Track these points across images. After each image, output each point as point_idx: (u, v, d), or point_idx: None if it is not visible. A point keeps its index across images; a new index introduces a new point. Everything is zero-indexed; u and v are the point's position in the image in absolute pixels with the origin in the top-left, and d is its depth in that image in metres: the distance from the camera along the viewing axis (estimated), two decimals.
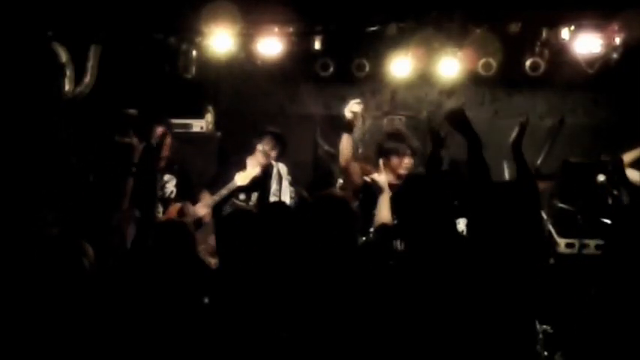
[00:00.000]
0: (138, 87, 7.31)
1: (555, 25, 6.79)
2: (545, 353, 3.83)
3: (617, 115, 7.91)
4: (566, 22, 6.71)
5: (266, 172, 6.58)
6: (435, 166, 4.46)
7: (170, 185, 6.35)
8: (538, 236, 3.94)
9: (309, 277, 3.71)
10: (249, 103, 8.35)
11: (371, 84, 8.09)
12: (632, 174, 6.00)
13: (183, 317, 3.49)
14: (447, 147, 4.61)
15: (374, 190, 5.21)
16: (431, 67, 7.25)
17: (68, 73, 6.61)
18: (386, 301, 3.56)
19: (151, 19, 6.65)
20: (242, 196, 6.54)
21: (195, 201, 6.47)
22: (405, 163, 5.57)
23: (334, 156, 6.32)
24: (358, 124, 5.62)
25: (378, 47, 7.28)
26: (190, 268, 3.75)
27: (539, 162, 6.04)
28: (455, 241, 3.72)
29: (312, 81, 7.96)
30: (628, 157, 6.04)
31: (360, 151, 8.01)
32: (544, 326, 4.28)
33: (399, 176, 5.49)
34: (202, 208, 6.40)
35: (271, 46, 7.04)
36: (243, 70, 7.67)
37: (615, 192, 5.90)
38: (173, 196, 6.37)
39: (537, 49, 7.11)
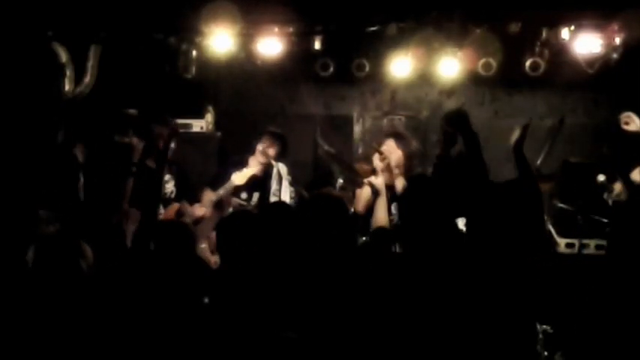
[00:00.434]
0: (138, 87, 7.31)
1: (555, 25, 6.79)
2: (545, 353, 3.83)
3: (617, 115, 7.90)
4: (566, 22, 6.71)
5: (266, 172, 6.58)
6: (443, 167, 4.46)
7: (170, 185, 6.35)
8: (539, 236, 3.94)
9: (307, 276, 3.71)
10: (249, 103, 8.36)
11: (371, 84, 8.10)
12: (632, 174, 6.00)
13: (183, 317, 3.49)
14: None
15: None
16: (431, 67, 7.25)
17: (68, 73, 6.61)
18: (385, 301, 3.56)
19: (151, 19, 6.65)
20: (244, 195, 6.54)
21: (195, 200, 6.47)
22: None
23: (334, 156, 6.32)
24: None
25: (378, 47, 7.28)
26: (190, 268, 3.75)
27: (539, 162, 6.04)
28: (456, 240, 3.73)
29: (312, 81, 7.97)
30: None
31: (360, 151, 8.03)
32: (544, 326, 4.28)
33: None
34: (202, 208, 6.40)
35: (271, 46, 7.04)
36: (243, 70, 7.67)
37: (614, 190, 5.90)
38: (173, 196, 6.37)
39: (537, 49, 7.11)
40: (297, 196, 6.63)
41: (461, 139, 4.23)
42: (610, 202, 5.85)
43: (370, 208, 5.28)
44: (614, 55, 6.79)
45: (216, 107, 8.00)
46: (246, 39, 7.01)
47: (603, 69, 6.95)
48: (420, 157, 5.87)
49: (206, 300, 3.70)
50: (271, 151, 6.54)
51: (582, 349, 3.48)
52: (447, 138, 4.50)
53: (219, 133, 7.87)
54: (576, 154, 7.35)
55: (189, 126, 7.70)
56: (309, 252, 3.86)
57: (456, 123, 4.16)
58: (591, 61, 6.89)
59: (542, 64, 7.15)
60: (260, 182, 6.55)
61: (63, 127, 6.26)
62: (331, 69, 7.49)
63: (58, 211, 4.99)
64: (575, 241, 6.19)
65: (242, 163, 6.57)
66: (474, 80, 7.62)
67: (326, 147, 6.40)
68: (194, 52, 7.14)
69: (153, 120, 6.14)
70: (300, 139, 7.71)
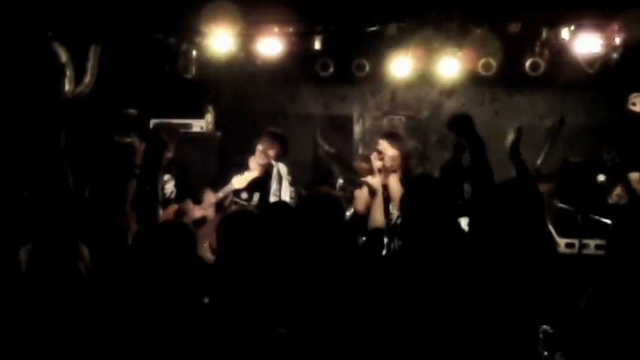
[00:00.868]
0: (138, 87, 7.32)
1: (555, 25, 6.80)
2: (545, 353, 3.82)
3: (617, 115, 7.91)
4: (566, 22, 6.71)
5: (266, 172, 6.58)
6: (453, 171, 4.47)
7: (169, 186, 6.35)
8: (540, 237, 3.94)
9: (304, 275, 3.71)
10: (249, 103, 8.36)
11: (371, 84, 8.10)
12: (632, 174, 6.00)
13: (184, 318, 3.49)
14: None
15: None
16: (431, 67, 7.26)
17: (68, 73, 6.61)
18: (385, 301, 3.56)
19: (151, 19, 6.65)
20: (244, 196, 6.55)
21: (195, 201, 6.47)
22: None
23: (334, 156, 6.32)
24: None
25: (378, 47, 7.28)
26: (191, 269, 3.74)
27: (539, 162, 6.05)
28: (459, 240, 3.73)
29: (312, 81, 7.97)
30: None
31: (360, 151, 8.03)
32: (544, 326, 4.28)
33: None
34: (202, 209, 6.40)
35: (271, 46, 7.04)
36: (243, 70, 7.68)
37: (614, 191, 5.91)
38: (173, 196, 6.37)
39: (537, 49, 7.12)
40: (297, 196, 6.63)
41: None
42: (610, 201, 5.87)
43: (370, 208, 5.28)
44: (614, 55, 6.79)
45: (216, 107, 8.01)
46: (246, 39, 7.01)
47: (603, 69, 6.95)
48: (419, 156, 5.87)
49: (206, 300, 3.70)
50: (271, 152, 6.55)
51: (582, 349, 3.48)
52: (457, 148, 4.52)
53: (219, 133, 7.87)
54: (576, 154, 7.35)
55: (189, 126, 7.71)
56: (307, 250, 3.86)
57: (460, 127, 4.17)
58: (591, 61, 6.89)
59: (542, 64, 7.15)
60: (260, 182, 6.55)
61: (63, 127, 6.26)
62: (331, 69, 7.49)
63: (57, 212, 4.99)
64: (575, 241, 6.19)
65: (242, 163, 6.57)
66: (474, 80, 7.62)
67: (326, 147, 6.40)
68: (194, 52, 7.15)
69: (158, 126, 6.18)
70: (300, 139, 7.71)
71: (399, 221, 5.65)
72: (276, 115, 8.21)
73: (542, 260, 3.71)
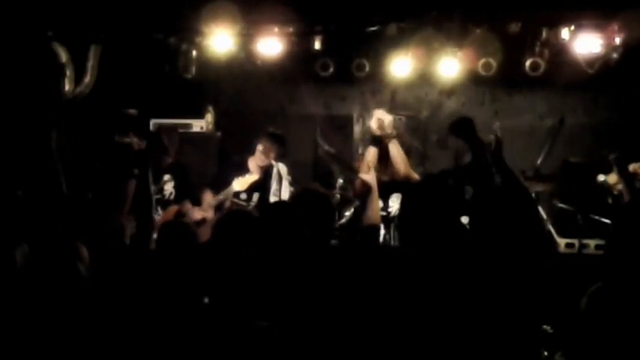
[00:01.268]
0: (138, 87, 7.32)
1: (555, 25, 6.80)
2: (545, 353, 3.82)
3: (617, 115, 7.92)
4: (566, 22, 6.71)
5: (266, 172, 6.58)
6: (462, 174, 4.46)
7: (168, 187, 6.34)
8: (539, 236, 3.94)
9: (295, 272, 3.71)
10: (249, 103, 8.36)
11: (371, 84, 8.09)
12: (632, 165, 6.04)
13: (183, 318, 3.49)
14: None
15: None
16: (431, 67, 7.25)
17: (68, 73, 6.61)
18: (384, 299, 3.56)
19: (151, 19, 6.65)
20: (243, 196, 6.54)
21: (196, 202, 6.47)
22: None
23: (334, 156, 6.33)
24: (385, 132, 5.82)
25: (378, 47, 7.28)
26: (192, 269, 3.74)
27: (539, 162, 6.05)
28: (460, 240, 3.72)
29: (312, 81, 7.97)
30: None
31: (360, 151, 8.03)
32: (544, 326, 4.28)
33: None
34: (202, 211, 6.40)
35: (271, 46, 7.04)
36: (243, 70, 7.67)
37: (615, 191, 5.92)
38: (172, 197, 6.37)
39: (537, 49, 7.11)
40: None
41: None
42: (607, 195, 5.88)
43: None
44: (614, 55, 6.79)
45: (216, 107, 8.00)
46: (246, 39, 7.01)
47: (603, 69, 6.95)
48: (419, 156, 5.90)
49: (206, 300, 3.70)
50: (271, 153, 6.54)
51: (582, 349, 3.48)
52: (457, 154, 4.54)
53: (219, 133, 7.87)
54: (576, 154, 7.35)
55: (189, 126, 7.71)
56: (295, 247, 3.85)
57: (461, 130, 4.17)
58: (591, 61, 6.89)
59: (542, 64, 7.14)
60: (260, 182, 6.55)
61: (55, 128, 6.27)
62: (331, 69, 7.48)
63: (53, 212, 4.99)
64: (575, 241, 6.19)
65: (242, 164, 6.57)
66: (474, 80, 7.62)
67: (326, 147, 6.41)
68: (194, 52, 7.14)
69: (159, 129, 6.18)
70: (300, 139, 7.71)
71: (397, 213, 5.71)
72: (276, 115, 8.20)
73: (542, 260, 3.71)
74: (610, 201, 6.00)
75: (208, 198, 6.48)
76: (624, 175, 5.85)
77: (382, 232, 5.54)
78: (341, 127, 8.28)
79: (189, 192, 6.48)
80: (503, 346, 3.38)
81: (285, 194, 6.55)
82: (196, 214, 6.35)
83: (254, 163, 6.56)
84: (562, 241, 6.26)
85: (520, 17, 6.67)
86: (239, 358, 3.33)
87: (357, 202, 6.19)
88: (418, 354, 3.38)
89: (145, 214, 5.47)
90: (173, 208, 6.29)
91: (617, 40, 6.69)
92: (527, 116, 8.02)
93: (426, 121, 8.22)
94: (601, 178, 6.00)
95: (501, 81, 7.77)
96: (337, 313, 3.55)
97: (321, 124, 8.03)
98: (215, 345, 3.36)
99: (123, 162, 5.60)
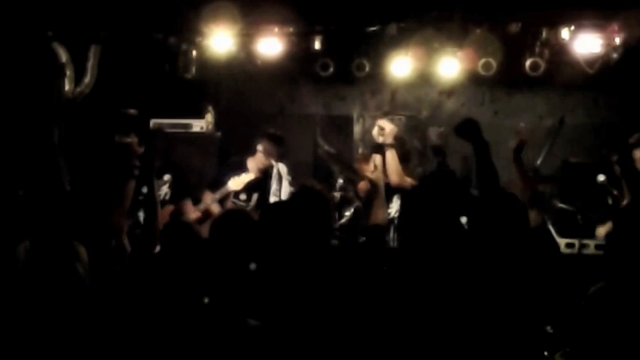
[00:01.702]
0: (138, 87, 7.32)
1: (555, 25, 6.80)
2: (545, 353, 3.83)
3: (617, 115, 7.92)
4: (566, 22, 6.71)
5: (266, 172, 6.58)
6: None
7: (164, 187, 6.33)
8: (541, 237, 3.94)
9: (295, 272, 3.71)
10: (249, 103, 8.36)
11: (371, 84, 8.09)
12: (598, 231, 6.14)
13: (183, 317, 3.49)
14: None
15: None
16: (431, 67, 7.25)
17: (68, 73, 6.62)
18: (385, 299, 3.56)
19: (151, 19, 6.65)
20: (243, 197, 6.54)
21: (194, 201, 6.47)
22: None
23: (334, 156, 6.33)
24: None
25: (378, 47, 7.28)
26: (193, 269, 3.74)
27: (539, 162, 6.04)
28: (460, 240, 3.72)
29: (312, 81, 7.97)
30: None
31: (360, 151, 8.03)
32: (544, 326, 4.28)
33: None
34: (196, 212, 6.40)
35: (271, 46, 7.04)
36: (243, 70, 7.67)
37: (615, 192, 5.92)
38: (167, 197, 6.35)
39: (537, 49, 7.11)
40: None
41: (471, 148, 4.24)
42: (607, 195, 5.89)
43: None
44: (614, 55, 6.79)
45: (216, 107, 8.00)
46: (246, 39, 7.01)
47: (603, 69, 6.95)
48: (419, 156, 5.91)
49: (206, 300, 3.70)
50: (271, 155, 6.54)
51: (582, 349, 3.49)
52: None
53: (219, 133, 7.87)
54: (576, 154, 7.35)
55: (189, 126, 7.70)
56: (295, 247, 3.85)
57: (467, 132, 4.17)
58: (591, 61, 6.89)
59: (542, 64, 7.14)
60: (260, 182, 6.55)
61: (57, 125, 6.27)
62: (331, 69, 7.47)
63: (54, 211, 4.98)
64: (575, 241, 6.19)
65: (242, 165, 6.57)
66: (474, 80, 7.61)
67: (326, 147, 6.42)
68: (194, 52, 7.15)
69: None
70: (300, 139, 7.72)
71: (396, 215, 5.71)
72: (275, 115, 8.20)
73: (543, 260, 3.71)
74: (610, 201, 5.99)
75: (207, 198, 6.48)
76: (625, 174, 5.85)
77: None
78: (341, 127, 8.28)
79: (186, 192, 6.47)
80: (503, 346, 3.38)
81: (285, 194, 6.55)
82: (192, 213, 6.35)
83: (254, 164, 6.55)
84: (562, 241, 6.25)
85: (520, 17, 6.68)
86: (236, 358, 3.33)
87: (357, 202, 6.20)
88: (418, 354, 3.38)
89: (149, 217, 5.46)
90: (169, 208, 6.28)
91: (617, 40, 6.69)
92: (527, 116, 8.01)
93: (426, 121, 8.22)
94: (601, 178, 6.00)
95: (501, 81, 7.77)
96: (337, 314, 3.55)
97: (321, 124, 8.04)
98: (215, 345, 3.37)
99: (123, 162, 5.59)
